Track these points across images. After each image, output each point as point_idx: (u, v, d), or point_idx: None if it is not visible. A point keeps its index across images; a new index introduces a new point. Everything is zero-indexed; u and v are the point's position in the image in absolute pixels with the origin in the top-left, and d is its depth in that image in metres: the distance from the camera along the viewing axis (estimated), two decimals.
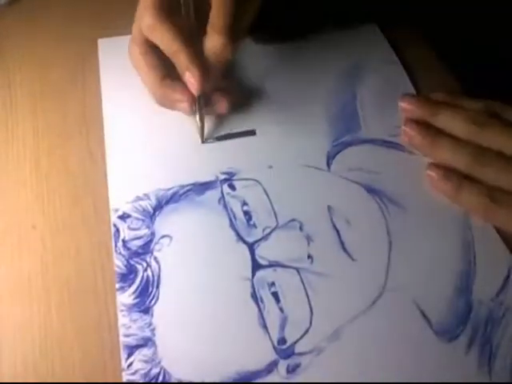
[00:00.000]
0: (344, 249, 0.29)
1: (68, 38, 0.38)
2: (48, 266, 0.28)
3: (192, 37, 0.31)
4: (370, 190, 0.31)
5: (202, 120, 0.32)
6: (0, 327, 0.26)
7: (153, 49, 0.32)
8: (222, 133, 0.33)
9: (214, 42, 0.30)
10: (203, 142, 0.33)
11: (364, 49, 0.38)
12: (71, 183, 0.31)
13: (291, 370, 0.25)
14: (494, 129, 0.30)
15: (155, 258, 0.28)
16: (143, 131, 0.33)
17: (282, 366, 0.25)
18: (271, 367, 0.25)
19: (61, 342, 0.26)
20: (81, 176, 0.31)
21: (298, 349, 0.26)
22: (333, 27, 0.38)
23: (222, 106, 0.32)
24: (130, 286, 0.27)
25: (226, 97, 0.32)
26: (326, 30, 0.38)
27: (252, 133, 0.33)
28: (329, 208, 0.30)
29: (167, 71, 0.32)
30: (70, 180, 0.31)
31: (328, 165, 0.32)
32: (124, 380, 0.25)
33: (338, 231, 0.29)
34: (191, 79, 0.30)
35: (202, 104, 0.32)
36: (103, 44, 0.37)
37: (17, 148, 0.32)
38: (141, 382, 0.25)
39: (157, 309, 0.26)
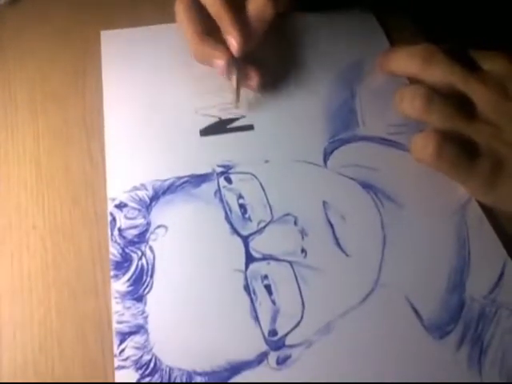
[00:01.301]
0: (338, 244, 0.29)
1: (68, 39, 0.38)
2: (48, 266, 0.28)
3: None
4: (366, 186, 0.31)
5: (238, 83, 0.33)
6: (0, 327, 0.26)
7: (197, 5, 0.33)
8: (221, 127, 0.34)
9: (257, 1, 0.31)
10: (237, 106, 0.33)
11: (364, 46, 0.38)
12: (71, 183, 0.31)
13: (281, 361, 0.26)
14: (440, 64, 0.31)
15: (150, 248, 0.28)
16: (142, 122, 0.33)
17: (272, 357, 0.26)
18: (261, 358, 0.26)
19: (61, 341, 0.26)
20: (81, 176, 0.31)
21: (289, 341, 0.26)
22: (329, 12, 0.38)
23: (254, 80, 0.33)
24: (124, 274, 0.27)
25: (259, 73, 0.33)
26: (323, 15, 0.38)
27: (250, 127, 0.33)
28: (324, 203, 0.30)
29: (209, 28, 0.33)
30: (70, 180, 0.31)
31: (325, 161, 0.32)
32: (115, 366, 0.25)
33: (332, 226, 0.29)
34: (233, 41, 0.31)
35: (239, 67, 0.32)
36: (106, 36, 0.38)
37: (17, 148, 0.33)
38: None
39: (150, 297, 0.27)
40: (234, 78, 0.33)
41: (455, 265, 0.28)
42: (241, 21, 0.31)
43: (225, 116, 0.34)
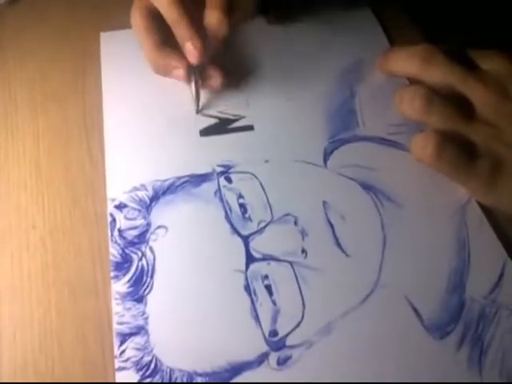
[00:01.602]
0: (338, 244, 0.29)
1: (68, 39, 0.38)
2: (48, 266, 0.28)
3: (193, 4, 0.31)
4: (366, 187, 0.31)
5: (197, 89, 0.33)
6: (0, 327, 0.26)
7: (154, 14, 0.32)
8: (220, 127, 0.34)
9: (211, 17, 0.31)
10: (197, 112, 0.33)
11: (363, 46, 0.38)
12: (71, 183, 0.31)
13: (282, 361, 0.26)
14: (439, 65, 0.31)
15: (150, 248, 0.28)
16: (142, 123, 0.33)
17: (273, 357, 0.26)
18: (262, 358, 0.26)
19: (61, 341, 0.26)
20: (81, 176, 0.31)
21: (290, 341, 0.26)
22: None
23: (216, 81, 0.33)
24: (124, 274, 0.27)
25: (220, 73, 0.33)
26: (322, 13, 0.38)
27: (250, 128, 0.33)
28: (324, 203, 0.30)
29: (166, 38, 0.33)
30: (70, 180, 0.31)
31: (325, 161, 0.32)
32: (116, 367, 0.25)
33: (332, 226, 0.29)
34: (191, 48, 0.31)
35: (198, 74, 0.32)
36: (105, 38, 0.38)
37: (17, 148, 0.33)
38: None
39: (150, 298, 0.27)
40: (193, 84, 0.33)
41: (455, 265, 0.28)
42: (199, 29, 0.31)
43: (225, 116, 0.34)
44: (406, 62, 0.32)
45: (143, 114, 0.34)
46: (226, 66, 0.34)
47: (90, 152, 0.32)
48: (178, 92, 0.35)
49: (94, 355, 0.25)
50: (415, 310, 0.27)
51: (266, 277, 0.28)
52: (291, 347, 0.26)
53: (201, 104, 0.34)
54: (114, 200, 0.30)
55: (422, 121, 0.30)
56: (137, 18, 0.33)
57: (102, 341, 0.26)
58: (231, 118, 0.34)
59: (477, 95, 0.30)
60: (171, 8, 0.31)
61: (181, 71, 0.32)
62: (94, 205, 0.30)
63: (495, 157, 0.29)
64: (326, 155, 0.32)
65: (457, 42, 0.33)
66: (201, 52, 0.31)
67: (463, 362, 0.26)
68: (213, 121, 0.34)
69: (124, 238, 0.28)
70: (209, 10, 0.32)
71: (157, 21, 0.32)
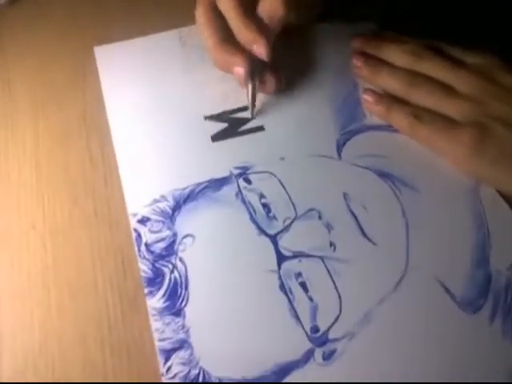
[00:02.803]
0: (364, 234, 0.29)
1: (69, 38, 0.37)
2: (48, 265, 0.28)
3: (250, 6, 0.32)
4: (382, 175, 0.32)
5: (254, 90, 0.32)
6: (0, 327, 0.26)
7: (217, 11, 0.32)
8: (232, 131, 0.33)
9: (268, 3, 0.31)
10: (252, 113, 0.33)
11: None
12: (71, 183, 0.31)
13: (327, 356, 0.26)
14: (430, 59, 0.33)
15: (180, 259, 0.27)
16: (152, 134, 0.33)
17: (318, 353, 0.26)
18: (308, 356, 0.26)
19: (61, 341, 0.26)
20: (81, 176, 0.31)
21: (332, 335, 0.26)
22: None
23: (272, 86, 0.33)
24: (158, 289, 0.27)
25: (277, 77, 0.33)
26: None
27: (260, 128, 0.33)
28: (344, 195, 0.31)
29: (229, 33, 0.32)
30: (70, 180, 0.31)
31: (338, 153, 0.32)
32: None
33: (356, 217, 0.30)
34: (260, 48, 0.31)
35: (257, 75, 0.32)
36: (99, 52, 0.36)
37: (17, 148, 0.32)
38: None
39: (188, 310, 0.26)
40: (250, 85, 0.32)
41: (476, 241, 0.29)
42: (262, 30, 0.31)
43: (233, 120, 0.33)
44: (397, 55, 0.34)
45: (151, 126, 0.33)
46: None
47: (90, 152, 0.32)
48: (183, 100, 0.34)
49: (94, 355, 0.25)
50: (446, 289, 0.28)
51: (300, 274, 0.28)
52: (334, 341, 0.26)
53: (208, 109, 0.33)
54: (135, 215, 0.29)
55: (406, 95, 0.32)
56: (200, 14, 0.33)
57: (102, 341, 0.25)
58: (241, 119, 0.33)
59: (463, 82, 0.32)
60: (233, 14, 0.31)
61: (242, 70, 0.32)
62: (93, 204, 0.30)
63: (479, 127, 0.30)
64: (339, 147, 0.33)
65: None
66: (269, 50, 0.31)
67: (498, 334, 0.27)
68: (222, 125, 0.33)
69: (152, 252, 0.28)
70: None
71: (220, 18, 0.32)
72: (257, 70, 0.32)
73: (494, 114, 0.30)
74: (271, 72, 0.33)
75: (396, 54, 0.34)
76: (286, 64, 0.35)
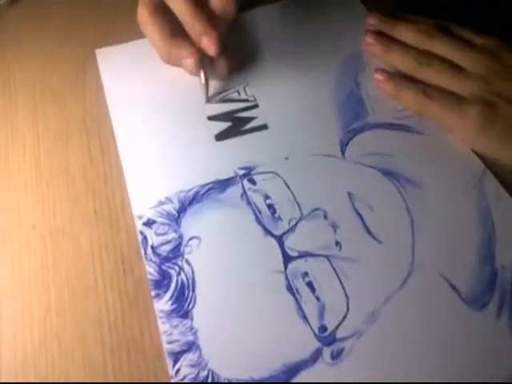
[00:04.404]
0: (369, 232, 0.29)
1: (69, 38, 0.37)
2: (48, 266, 0.28)
3: None
4: (386, 173, 0.32)
5: (206, 78, 0.33)
6: (0, 327, 0.26)
7: (160, 8, 0.33)
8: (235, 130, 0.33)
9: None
10: (207, 101, 0.34)
11: (359, 37, 0.38)
12: (71, 183, 0.30)
13: (335, 355, 0.26)
14: (441, 39, 0.34)
15: (187, 261, 0.27)
16: (155, 135, 0.33)
17: (327, 352, 0.26)
18: (316, 355, 0.26)
19: (61, 341, 0.26)
20: (81, 176, 0.31)
21: (339, 334, 0.26)
22: None
23: (223, 68, 0.34)
24: (165, 292, 0.27)
25: (226, 60, 0.33)
26: None
27: (264, 127, 0.33)
28: (349, 194, 0.31)
29: (174, 28, 0.33)
30: (70, 180, 0.31)
31: (342, 152, 0.32)
32: None
33: (361, 216, 0.30)
34: (208, 43, 0.31)
35: (207, 63, 0.33)
36: (101, 54, 0.36)
37: (17, 148, 0.32)
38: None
39: (196, 312, 0.26)
40: (202, 74, 0.33)
41: (482, 237, 0.29)
42: (212, 22, 0.32)
43: (237, 119, 0.33)
44: (409, 35, 0.35)
45: (154, 128, 0.33)
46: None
47: (90, 152, 0.32)
48: (185, 99, 0.34)
49: (94, 355, 0.25)
50: (452, 286, 0.28)
51: (306, 274, 0.28)
52: (342, 340, 0.26)
53: (211, 109, 0.33)
54: (141, 217, 0.29)
55: (416, 73, 0.34)
56: (143, 14, 0.33)
57: (102, 341, 0.25)
58: (244, 117, 0.33)
59: (471, 61, 0.33)
60: (184, 7, 0.31)
61: (192, 61, 0.32)
62: (93, 204, 0.29)
63: (485, 104, 0.31)
64: (343, 146, 0.33)
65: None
66: (217, 45, 0.31)
67: (504, 329, 0.27)
68: (225, 124, 0.33)
69: (158, 254, 0.28)
70: None
71: (163, 12, 0.32)
72: (206, 58, 0.33)
73: (501, 92, 0.32)
74: (221, 57, 0.33)
75: (408, 33, 0.35)
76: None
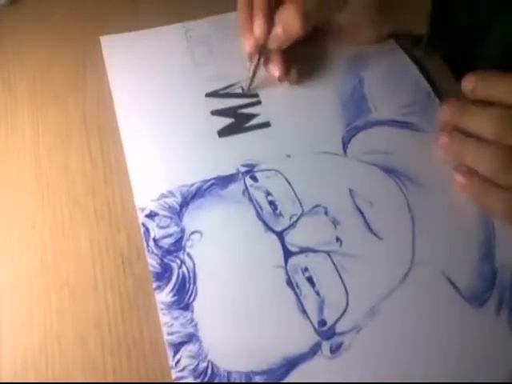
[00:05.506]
0: (370, 229, 0.30)
1: (69, 38, 0.37)
2: (48, 266, 0.28)
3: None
4: (387, 171, 0.32)
5: (255, 68, 0.34)
6: (0, 327, 0.26)
7: None
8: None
9: (286, 13, 0.33)
10: (247, 89, 0.34)
11: None
12: (71, 183, 0.31)
13: (334, 349, 0.26)
14: None
15: (188, 255, 0.28)
16: (158, 129, 0.33)
17: (326, 346, 0.26)
18: (315, 349, 0.26)
19: (61, 341, 0.26)
20: (81, 175, 0.31)
21: (339, 329, 0.27)
22: None
23: (276, 71, 0.34)
24: (166, 284, 0.27)
25: (281, 65, 0.34)
26: None
27: (267, 124, 0.34)
28: (350, 191, 0.31)
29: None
30: (70, 179, 0.31)
31: (344, 149, 0.33)
32: (173, 378, 0.25)
33: (361, 213, 0.30)
34: (257, 29, 0.33)
35: (263, 53, 0.33)
36: (106, 41, 0.37)
37: (17, 147, 0.32)
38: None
39: (197, 304, 0.26)
40: (253, 63, 0.33)
41: (482, 235, 0.30)
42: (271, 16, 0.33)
43: (240, 115, 0.34)
44: (483, 127, 0.30)
45: (158, 120, 0.33)
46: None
47: (90, 151, 0.32)
48: (189, 94, 0.35)
49: (94, 355, 0.25)
50: (452, 283, 0.28)
51: (306, 269, 0.28)
52: (341, 334, 0.26)
53: (214, 104, 0.34)
54: (143, 209, 0.29)
55: (495, 178, 0.29)
56: None
57: (102, 341, 0.26)
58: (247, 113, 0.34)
59: None
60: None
61: (250, 44, 0.33)
62: (93, 204, 0.30)
63: None
64: (345, 144, 0.33)
65: None
66: (262, 38, 0.32)
67: (504, 325, 0.27)
68: (228, 120, 0.34)
69: (160, 247, 0.28)
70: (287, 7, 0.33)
71: None
72: (264, 50, 0.33)
73: None
74: (277, 57, 0.34)
75: (482, 125, 0.30)
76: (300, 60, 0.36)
